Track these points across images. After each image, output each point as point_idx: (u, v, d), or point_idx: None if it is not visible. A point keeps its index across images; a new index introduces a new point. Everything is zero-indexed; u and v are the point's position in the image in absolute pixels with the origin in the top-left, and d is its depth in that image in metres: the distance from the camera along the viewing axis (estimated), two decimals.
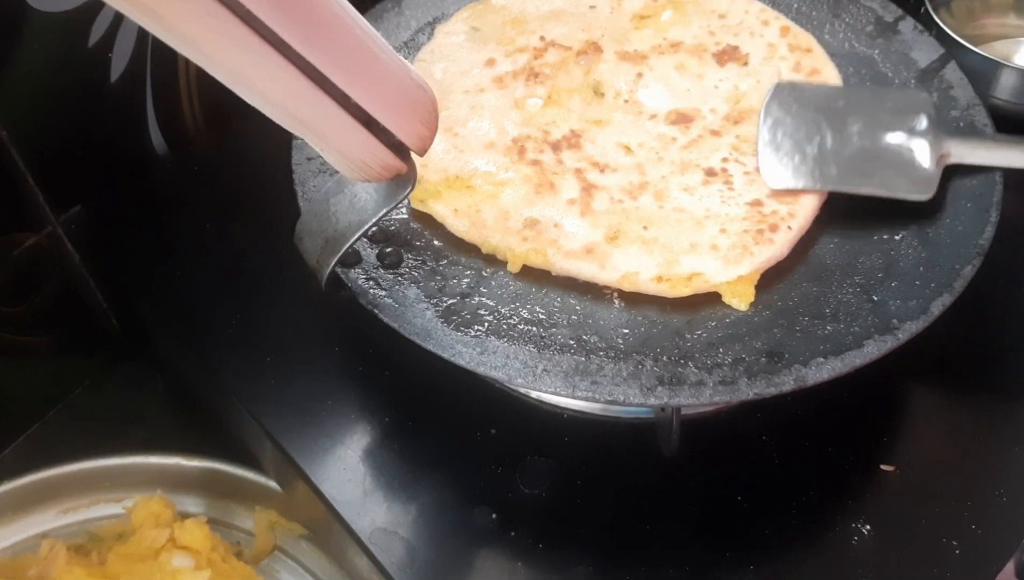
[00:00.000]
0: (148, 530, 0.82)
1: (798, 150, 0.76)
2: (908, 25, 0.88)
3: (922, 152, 0.75)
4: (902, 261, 0.72)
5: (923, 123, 0.76)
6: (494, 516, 0.73)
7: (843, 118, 0.77)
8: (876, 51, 0.87)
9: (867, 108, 0.78)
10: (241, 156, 0.95)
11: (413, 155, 0.58)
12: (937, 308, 0.67)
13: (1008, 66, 0.92)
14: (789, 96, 0.80)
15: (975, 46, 0.91)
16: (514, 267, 0.72)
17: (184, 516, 0.84)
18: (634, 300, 0.71)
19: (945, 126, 0.79)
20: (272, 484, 0.84)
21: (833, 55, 0.85)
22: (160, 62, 0.91)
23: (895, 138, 0.76)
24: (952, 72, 0.84)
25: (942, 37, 0.90)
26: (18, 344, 0.90)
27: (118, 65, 0.87)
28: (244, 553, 0.86)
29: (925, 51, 0.86)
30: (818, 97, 0.80)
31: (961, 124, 0.80)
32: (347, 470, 0.76)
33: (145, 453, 0.86)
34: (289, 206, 0.75)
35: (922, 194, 0.74)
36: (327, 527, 0.77)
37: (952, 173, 0.76)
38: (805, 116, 0.78)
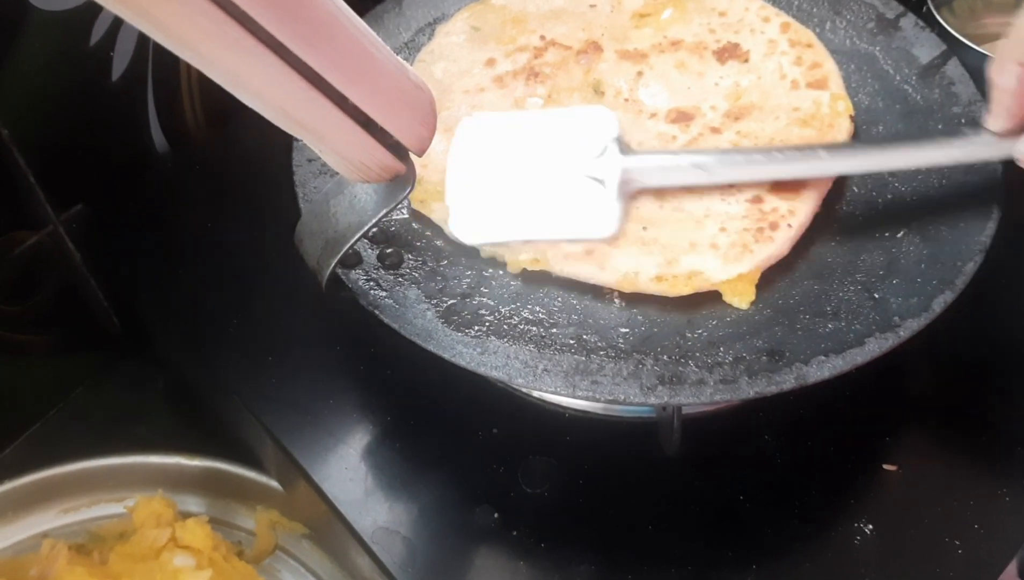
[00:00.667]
0: (149, 529, 0.83)
1: (486, 197, 0.71)
2: (909, 21, 0.87)
3: (607, 180, 0.70)
4: (903, 258, 0.72)
5: (609, 147, 0.71)
6: (496, 515, 0.73)
7: (529, 152, 0.72)
8: (877, 48, 0.87)
9: (553, 136, 0.72)
10: (242, 154, 0.95)
11: (412, 156, 0.58)
12: (939, 305, 0.67)
13: None
14: (474, 133, 0.74)
15: (977, 45, 0.91)
16: (514, 268, 0.72)
17: (185, 516, 0.84)
18: (634, 299, 0.70)
19: (629, 147, 0.73)
20: (273, 483, 0.84)
21: (834, 52, 0.85)
22: (161, 61, 0.91)
23: (579, 168, 0.70)
24: (954, 68, 0.83)
25: (944, 36, 0.89)
26: (18, 343, 0.90)
27: (119, 64, 0.87)
28: (245, 553, 0.86)
29: (926, 48, 0.85)
30: (504, 130, 0.74)
31: (963, 120, 0.80)
32: (349, 469, 0.76)
33: (146, 452, 0.86)
34: (291, 204, 0.75)
35: (603, 230, 0.68)
36: (328, 526, 0.77)
37: (952, 171, 0.76)
38: (491, 155, 0.73)
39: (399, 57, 0.54)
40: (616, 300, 0.71)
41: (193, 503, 0.87)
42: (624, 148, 0.72)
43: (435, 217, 0.75)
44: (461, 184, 0.72)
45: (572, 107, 0.79)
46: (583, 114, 0.74)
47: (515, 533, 0.72)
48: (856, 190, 0.77)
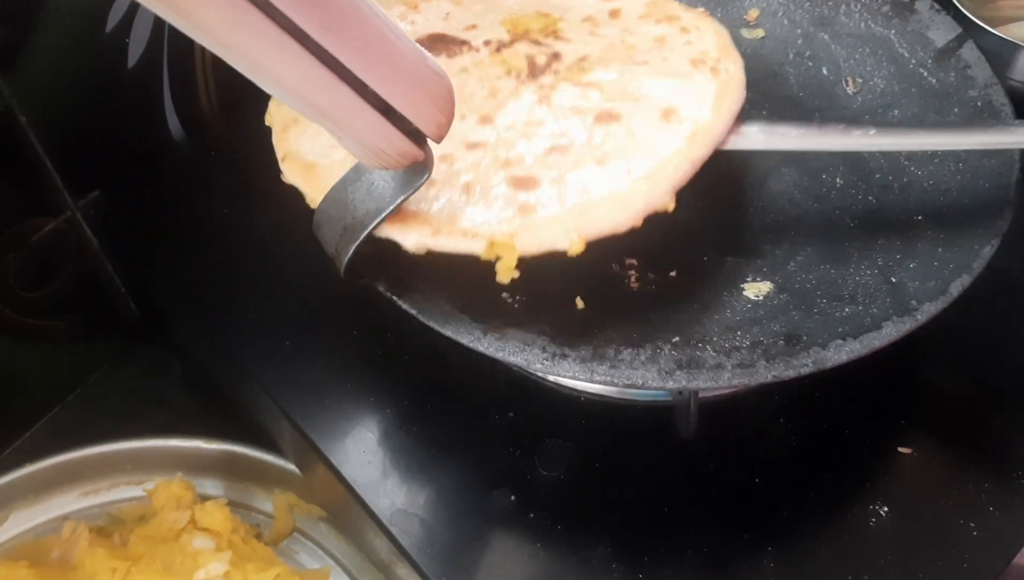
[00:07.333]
0: (169, 512, 0.83)
1: None
2: (924, 4, 0.87)
3: None
4: (920, 242, 0.72)
5: None
6: (513, 498, 0.74)
7: None
8: (892, 31, 0.86)
9: None
10: (258, 139, 0.94)
11: (430, 142, 0.58)
12: (956, 289, 0.66)
13: None
14: None
15: (993, 28, 0.90)
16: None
17: (204, 498, 0.85)
18: (652, 283, 0.71)
19: None
20: (291, 467, 0.84)
21: (849, 35, 0.85)
22: (176, 47, 0.91)
23: None
24: (969, 51, 0.83)
25: (959, 18, 0.89)
26: (37, 328, 0.91)
27: (135, 50, 0.88)
28: (263, 535, 0.87)
29: (942, 30, 0.85)
30: None
31: (979, 104, 0.79)
32: (366, 452, 0.76)
33: (165, 436, 0.87)
34: None
35: None
36: (346, 509, 0.78)
37: (968, 154, 0.76)
38: None
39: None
40: (633, 284, 0.71)
41: (211, 486, 0.88)
42: None
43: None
44: None
45: None
46: None
47: (532, 516, 0.73)
48: (874, 175, 0.77)
